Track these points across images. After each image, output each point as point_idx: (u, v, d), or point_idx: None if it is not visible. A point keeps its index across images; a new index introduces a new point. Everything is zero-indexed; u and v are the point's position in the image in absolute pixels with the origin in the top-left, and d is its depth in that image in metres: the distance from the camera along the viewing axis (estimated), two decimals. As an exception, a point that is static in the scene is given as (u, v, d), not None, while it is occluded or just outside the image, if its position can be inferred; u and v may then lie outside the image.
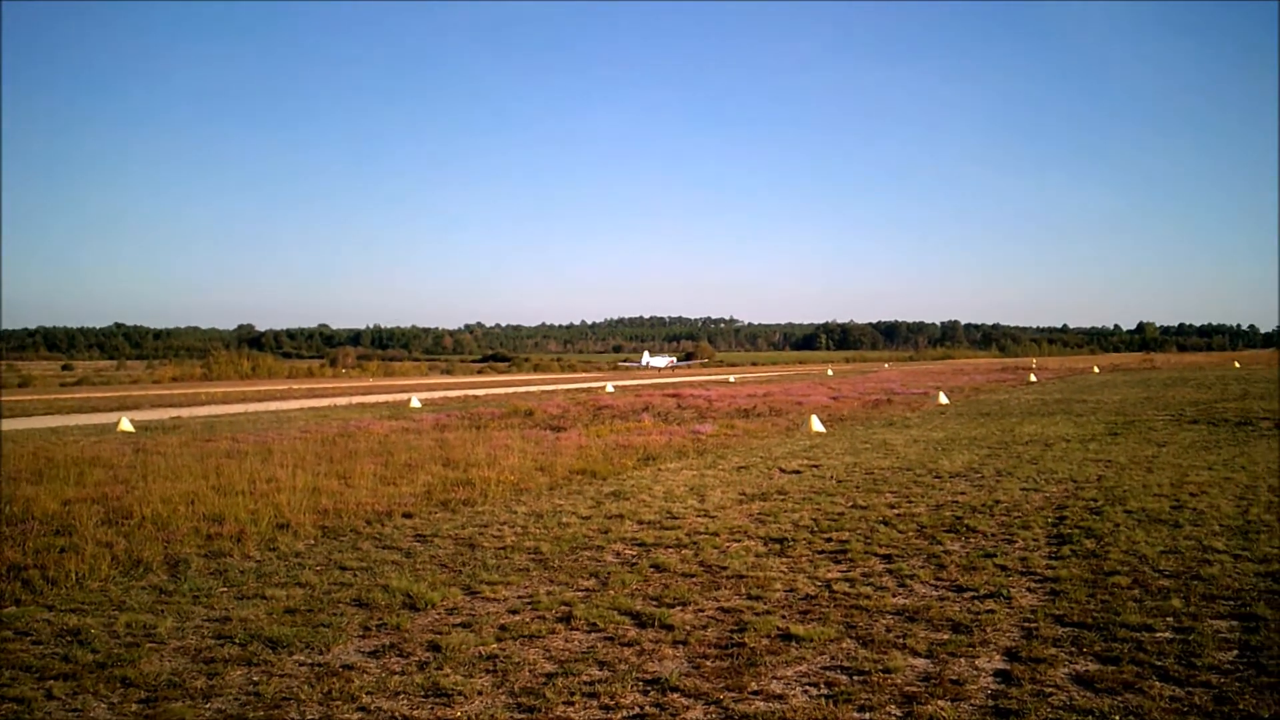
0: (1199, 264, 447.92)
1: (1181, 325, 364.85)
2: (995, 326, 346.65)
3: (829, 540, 12.43)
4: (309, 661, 8.02)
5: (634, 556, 11.74)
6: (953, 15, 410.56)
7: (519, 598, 9.94)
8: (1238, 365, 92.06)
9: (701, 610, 9.27)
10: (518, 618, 9.16)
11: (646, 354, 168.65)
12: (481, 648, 8.25)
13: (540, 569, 11.18)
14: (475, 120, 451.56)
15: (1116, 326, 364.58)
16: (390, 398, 54.14)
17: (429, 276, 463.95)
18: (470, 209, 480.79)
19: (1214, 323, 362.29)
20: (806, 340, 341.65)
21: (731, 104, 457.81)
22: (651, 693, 7.10)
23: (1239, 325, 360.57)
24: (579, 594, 10.00)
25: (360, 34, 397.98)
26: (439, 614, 9.40)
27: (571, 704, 6.92)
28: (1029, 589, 9.81)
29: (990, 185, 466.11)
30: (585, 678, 7.43)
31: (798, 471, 19.20)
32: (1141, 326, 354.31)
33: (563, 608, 9.43)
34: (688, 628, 8.66)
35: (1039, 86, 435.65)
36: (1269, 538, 11.79)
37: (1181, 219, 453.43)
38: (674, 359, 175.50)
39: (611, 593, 9.97)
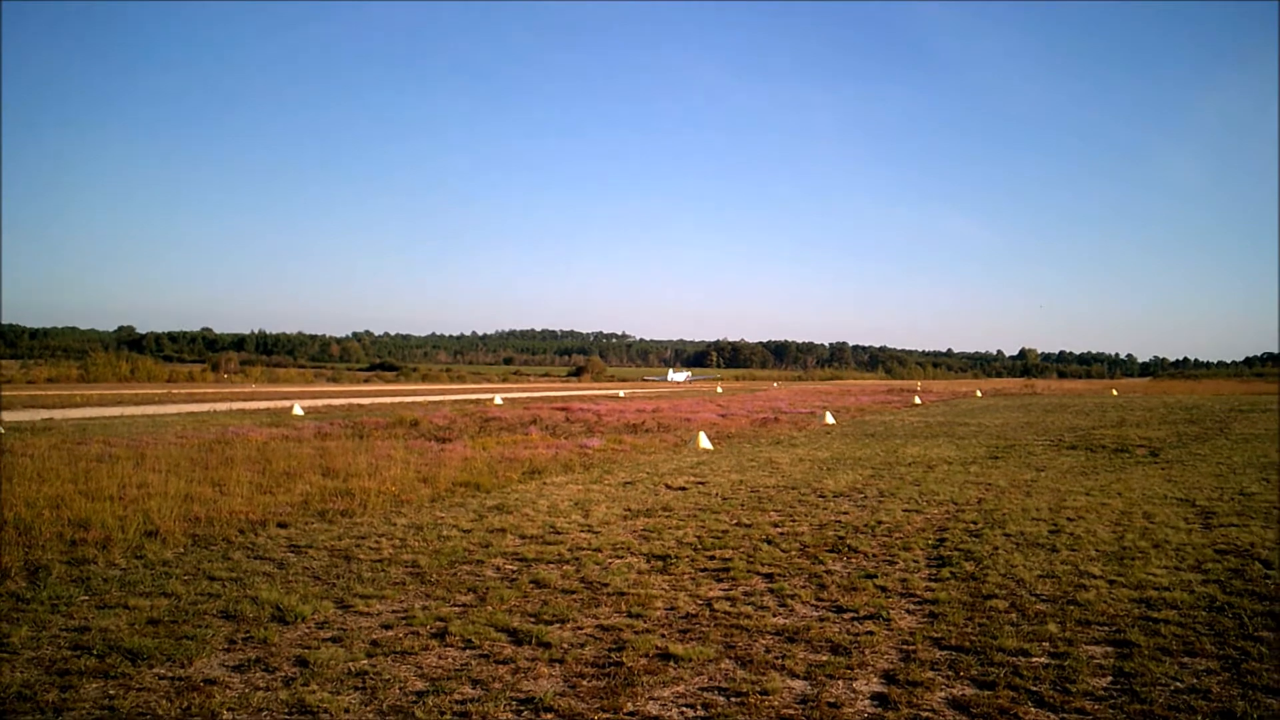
0: (1080, 294, 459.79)
1: (1062, 353, 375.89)
2: (882, 349, 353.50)
3: (712, 558, 12.35)
4: (170, 675, 7.70)
5: (514, 572, 11.52)
6: (847, 41, 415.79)
7: (393, 612, 9.68)
8: (1115, 393, 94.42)
9: (580, 628, 9.10)
10: (391, 633, 8.92)
11: (670, 370, 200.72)
12: (351, 664, 7.99)
13: (417, 583, 10.93)
14: (366, 125, 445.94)
15: (999, 352, 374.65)
16: (272, 404, 53.18)
17: (317, 282, 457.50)
18: (360, 215, 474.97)
19: (1093, 351, 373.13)
20: (697, 357, 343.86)
21: (622, 120, 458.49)
22: (525, 712, 6.92)
23: (1117, 354, 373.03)
24: (455, 609, 9.76)
25: (213, 36, 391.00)
26: (309, 628, 9.11)
27: (441, 724, 6.73)
28: (908, 610, 9.80)
29: (880, 213, 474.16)
30: (457, 696, 7.22)
31: (684, 488, 19.13)
32: (1023, 353, 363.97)
33: (438, 623, 9.20)
34: (565, 646, 8.49)
35: (926, 118, 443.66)
36: (1144, 564, 11.95)
37: (1062, 251, 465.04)
38: (690, 374, 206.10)
39: (489, 608, 9.75)
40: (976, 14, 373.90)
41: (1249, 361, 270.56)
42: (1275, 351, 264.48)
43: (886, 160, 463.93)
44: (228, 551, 12.67)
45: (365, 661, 8.07)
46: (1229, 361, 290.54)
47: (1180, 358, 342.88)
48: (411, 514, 15.66)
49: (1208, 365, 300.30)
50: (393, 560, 12.13)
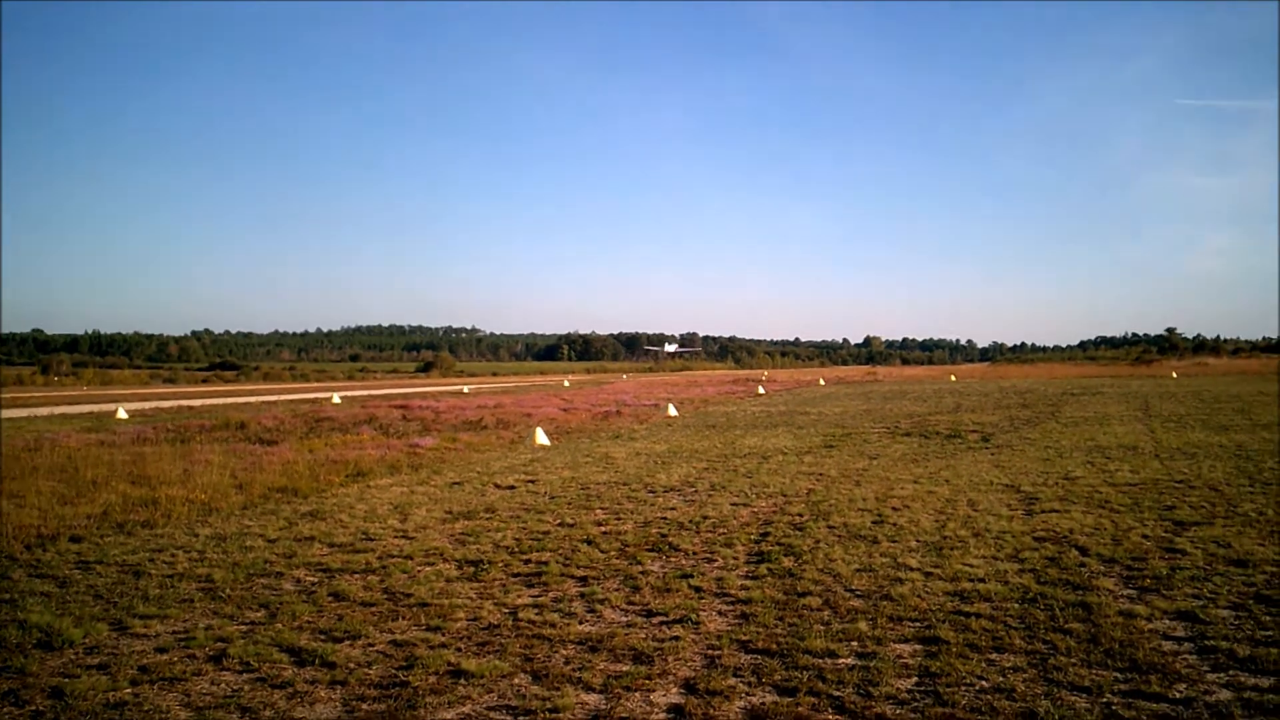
0: (922, 283, 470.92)
1: (905, 340, 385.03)
2: (732, 339, 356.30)
3: (527, 562, 11.88)
4: (-95, 717, 6.96)
5: (314, 584, 10.89)
6: (692, 35, 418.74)
7: (173, 633, 9.01)
8: (954, 379, 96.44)
9: (372, 644, 8.55)
10: (164, 657, 8.26)
11: (666, 344, 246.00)
12: (112, 694, 7.34)
13: (206, 599, 10.24)
14: (205, 115, 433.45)
15: (845, 340, 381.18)
16: (99, 408, 51.11)
17: (154, 279, 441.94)
18: (198, 208, 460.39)
19: (935, 338, 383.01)
20: (549, 351, 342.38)
21: (464, 117, 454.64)
22: (292, 744, 6.37)
23: (958, 340, 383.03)
24: (241, 628, 9.13)
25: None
26: (76, 654, 8.40)
27: (195, 762, 6.14)
28: (720, 612, 9.47)
29: (726, 204, 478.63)
30: (221, 728, 6.63)
31: (512, 487, 18.63)
32: (868, 340, 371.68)
33: (218, 644, 8.57)
34: (351, 665, 7.94)
35: (768, 105, 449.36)
36: (962, 554, 11.85)
37: (905, 241, 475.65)
38: (678, 347, 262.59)
39: (278, 626, 9.15)
40: (817, 9, 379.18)
41: (1083, 345, 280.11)
42: (1108, 335, 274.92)
43: (734, 153, 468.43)
44: (8, 570, 11.81)
45: (128, 691, 7.43)
46: (1064, 345, 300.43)
47: (1018, 343, 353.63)
48: (219, 523, 14.87)
49: (1044, 349, 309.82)
50: (186, 575, 11.40)
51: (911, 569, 11.07)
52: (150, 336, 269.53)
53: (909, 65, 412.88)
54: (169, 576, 11.34)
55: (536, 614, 9.48)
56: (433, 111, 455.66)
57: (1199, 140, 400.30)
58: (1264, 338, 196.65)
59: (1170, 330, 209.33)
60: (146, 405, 54.63)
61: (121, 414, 43.10)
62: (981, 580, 10.47)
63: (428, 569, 11.58)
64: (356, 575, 11.30)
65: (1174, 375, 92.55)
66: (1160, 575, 10.63)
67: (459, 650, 8.33)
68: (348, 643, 8.60)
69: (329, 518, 15.21)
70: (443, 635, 8.80)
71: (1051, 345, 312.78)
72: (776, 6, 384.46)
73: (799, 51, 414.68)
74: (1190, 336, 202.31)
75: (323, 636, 8.79)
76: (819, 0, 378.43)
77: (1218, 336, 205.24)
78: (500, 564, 11.78)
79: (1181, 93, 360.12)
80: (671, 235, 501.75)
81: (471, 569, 11.54)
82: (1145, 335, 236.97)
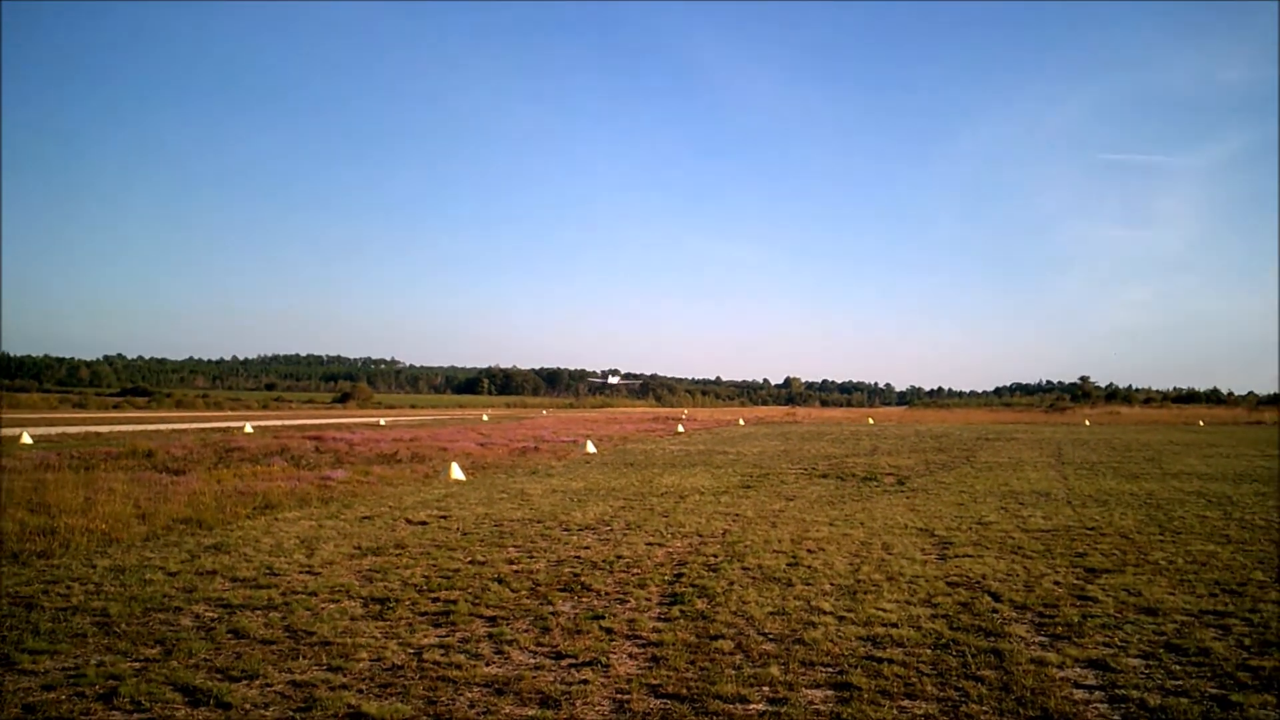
0: (842, 325, 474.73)
1: (825, 381, 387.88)
2: (653, 376, 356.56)
3: (436, 600, 11.63)
4: None
5: (214, 620, 10.56)
6: (623, 62, 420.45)
7: (62, 670, 8.66)
8: (871, 421, 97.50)
9: (270, 685, 8.27)
10: (51, 694, 7.93)
11: (610, 376, 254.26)
12: (-7, 735, 7.02)
13: (101, 635, 9.87)
14: (115, 130, 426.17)
15: (766, 381, 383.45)
16: (3, 432, 49.73)
17: (65, 300, 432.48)
18: (111, 227, 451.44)
19: (854, 380, 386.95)
20: (469, 384, 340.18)
21: (398, 139, 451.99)
22: (179, 791, 6.10)
23: (876, 384, 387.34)
24: (135, 665, 8.80)
25: None
26: (-43, 692, 8.03)
27: (75, 809, 5.86)
28: (630, 655, 9.31)
29: (646, 239, 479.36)
30: (106, 773, 6.34)
31: (424, 523, 18.33)
32: (788, 381, 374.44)
33: (110, 682, 8.24)
34: (247, 706, 7.67)
35: (691, 142, 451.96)
36: (875, 598, 11.80)
37: (826, 283, 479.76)
38: (619, 378, 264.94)
39: (173, 663, 8.83)
40: (742, 48, 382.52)
41: (999, 391, 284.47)
42: (1023, 382, 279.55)
43: (656, 184, 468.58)
44: (-109, 601, 11.32)
45: (10, 732, 7.11)
46: (980, 391, 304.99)
47: (935, 387, 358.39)
48: (118, 555, 14.43)
49: (960, 394, 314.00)
50: (81, 608, 11.00)
51: (825, 612, 11.01)
52: (61, 360, 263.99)
53: (834, 108, 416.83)
54: (63, 610, 10.94)
55: (442, 654, 9.26)
56: (352, 139, 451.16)
57: (1117, 194, 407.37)
58: (1174, 388, 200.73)
59: (1084, 378, 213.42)
60: (54, 430, 53.34)
61: (26, 439, 41.98)
62: (894, 625, 10.43)
63: (332, 606, 11.29)
64: (258, 611, 10.98)
65: (1087, 423, 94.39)
66: (1072, 623, 10.66)
67: (360, 692, 8.09)
68: (245, 682, 8.32)
69: (233, 551, 14.82)
70: (344, 676, 8.55)
71: (968, 390, 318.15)
72: (701, 43, 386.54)
73: (723, 89, 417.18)
74: (1103, 385, 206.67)
75: (219, 675, 8.50)
76: (744, 39, 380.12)
77: (1129, 385, 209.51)
78: (408, 602, 11.53)
79: (1103, 147, 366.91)
80: (593, 271, 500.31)
81: (378, 607, 11.27)
82: (1059, 383, 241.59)
